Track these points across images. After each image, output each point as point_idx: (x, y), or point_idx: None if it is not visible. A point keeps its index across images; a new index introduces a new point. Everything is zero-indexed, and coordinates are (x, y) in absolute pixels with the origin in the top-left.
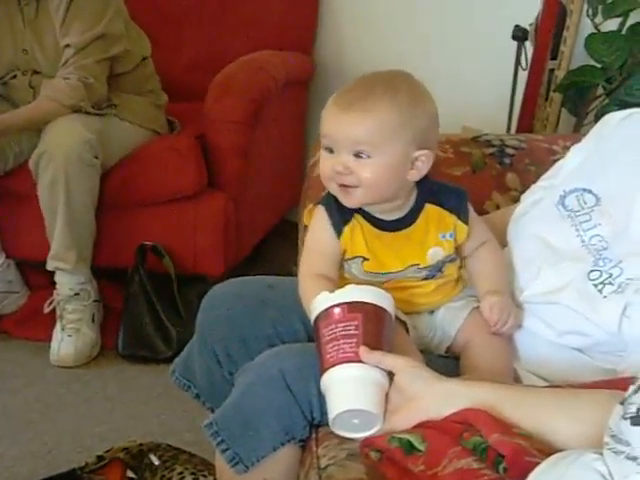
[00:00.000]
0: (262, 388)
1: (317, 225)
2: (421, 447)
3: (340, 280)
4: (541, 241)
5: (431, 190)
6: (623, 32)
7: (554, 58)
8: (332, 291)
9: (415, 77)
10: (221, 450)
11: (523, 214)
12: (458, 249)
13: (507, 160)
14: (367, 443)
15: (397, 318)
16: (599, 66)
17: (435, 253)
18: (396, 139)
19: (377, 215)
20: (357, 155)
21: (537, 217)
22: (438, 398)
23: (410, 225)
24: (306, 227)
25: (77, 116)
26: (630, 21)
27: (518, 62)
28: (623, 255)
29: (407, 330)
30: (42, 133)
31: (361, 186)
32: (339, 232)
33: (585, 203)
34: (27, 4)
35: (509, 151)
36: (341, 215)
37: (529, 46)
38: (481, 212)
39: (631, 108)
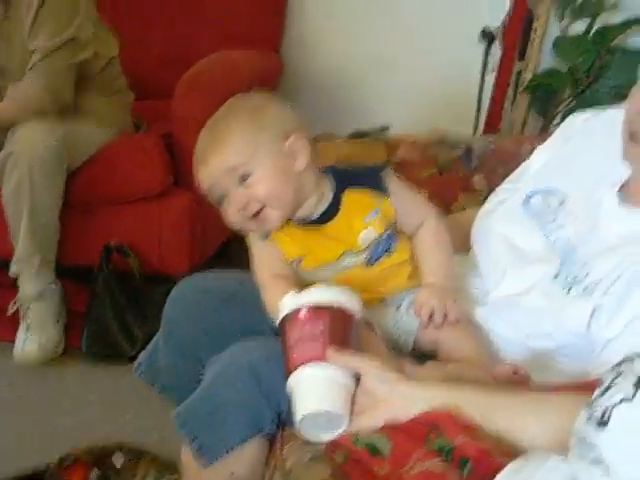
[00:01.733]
0: (230, 379)
1: (253, 244)
2: (385, 450)
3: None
4: (507, 241)
5: (346, 176)
6: (590, 35)
7: (522, 60)
8: (298, 291)
9: (250, 96)
10: (188, 440)
11: (489, 213)
12: (399, 226)
13: (474, 162)
14: (333, 444)
15: (366, 321)
16: (566, 69)
17: (366, 234)
18: (258, 146)
19: (301, 217)
20: (242, 180)
21: (503, 217)
22: (404, 400)
23: (334, 216)
24: None
25: (42, 120)
26: (597, 25)
27: (485, 64)
28: (589, 256)
29: (373, 330)
30: (7, 137)
31: (267, 204)
32: (270, 241)
33: (549, 205)
34: None
35: (476, 152)
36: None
37: (497, 48)
38: (447, 213)
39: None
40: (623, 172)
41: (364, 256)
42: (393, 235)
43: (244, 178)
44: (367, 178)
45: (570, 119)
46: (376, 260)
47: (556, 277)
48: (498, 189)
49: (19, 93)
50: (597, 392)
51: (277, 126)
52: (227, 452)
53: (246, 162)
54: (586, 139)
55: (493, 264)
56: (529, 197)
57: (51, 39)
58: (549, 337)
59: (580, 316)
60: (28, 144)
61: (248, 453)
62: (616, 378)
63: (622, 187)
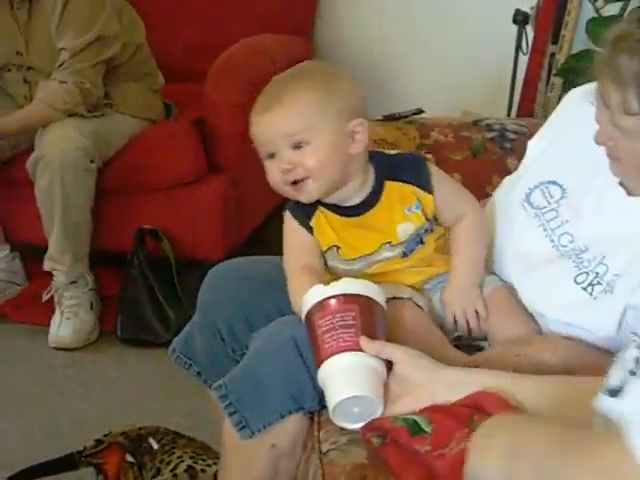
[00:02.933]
0: (274, 353)
1: (289, 229)
2: (427, 429)
3: (327, 276)
4: (514, 247)
5: (388, 165)
6: (625, 16)
7: (555, 42)
8: (325, 284)
9: (325, 64)
10: (229, 413)
11: (494, 214)
12: (436, 219)
13: (508, 144)
14: (370, 426)
15: (415, 303)
16: (600, 50)
17: (405, 228)
18: (324, 116)
19: (339, 204)
20: (296, 147)
21: (504, 218)
22: (444, 385)
23: (374, 206)
24: None
25: (72, 120)
26: (631, 5)
27: (519, 46)
28: (605, 250)
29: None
30: (38, 136)
31: (310, 176)
32: (309, 229)
33: (551, 197)
34: (19, 8)
35: (510, 135)
36: (305, 213)
37: (530, 30)
38: (482, 196)
39: None
40: None
41: (401, 249)
42: (429, 228)
43: (299, 145)
44: (410, 170)
45: (569, 96)
46: (411, 252)
47: (576, 279)
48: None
49: (48, 94)
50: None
51: (346, 103)
52: (267, 427)
53: (307, 130)
54: (581, 128)
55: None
56: (529, 193)
57: (78, 38)
58: (582, 342)
59: (606, 316)
60: (58, 146)
61: (290, 426)
62: (625, 350)
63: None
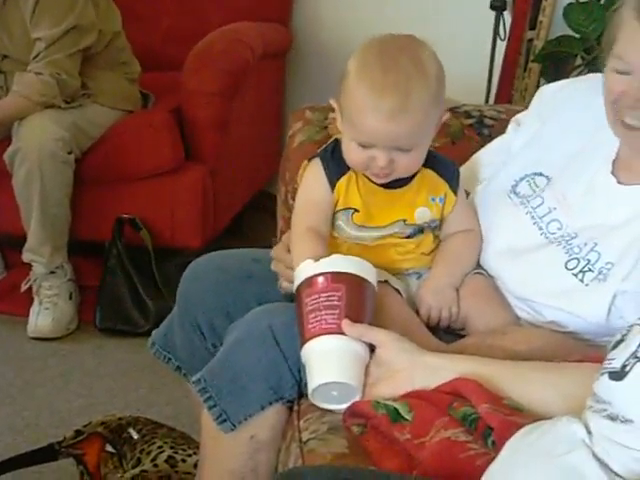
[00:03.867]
0: (251, 344)
1: (311, 177)
2: (408, 416)
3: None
4: (502, 237)
5: (430, 157)
6: (602, 1)
7: (533, 28)
8: (317, 259)
9: (420, 39)
10: (208, 406)
11: (477, 206)
12: (443, 221)
13: (486, 131)
14: (351, 412)
15: (390, 285)
16: (577, 36)
17: (423, 212)
18: (432, 122)
19: None
20: (398, 149)
21: (490, 210)
22: (424, 370)
23: (406, 185)
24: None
25: (50, 112)
26: None
27: (496, 32)
28: (596, 237)
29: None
30: (15, 128)
31: (399, 172)
32: (333, 183)
33: (537, 186)
34: None
35: (488, 122)
36: (337, 168)
37: (507, 16)
38: None
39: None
40: (611, 147)
41: (409, 231)
42: (436, 225)
43: (403, 149)
44: (447, 170)
45: (540, 92)
46: (413, 236)
47: (567, 265)
48: (475, 173)
49: (25, 86)
50: (610, 346)
51: (443, 101)
52: (247, 418)
53: (417, 140)
54: (563, 115)
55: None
56: (514, 186)
57: (53, 28)
58: (568, 327)
59: (597, 304)
60: (36, 138)
61: (269, 417)
62: (628, 333)
63: (614, 163)
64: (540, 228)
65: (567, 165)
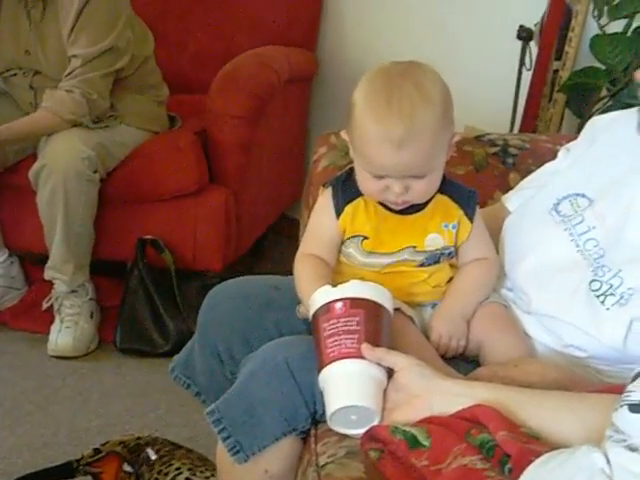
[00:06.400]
0: (266, 376)
1: (319, 206)
2: (425, 442)
3: (337, 265)
4: (537, 252)
5: (445, 182)
6: (628, 34)
7: (558, 59)
8: (334, 285)
9: (423, 63)
10: (222, 438)
11: (514, 224)
12: (458, 250)
13: (510, 160)
14: (369, 436)
15: (403, 313)
16: (603, 68)
17: (434, 240)
18: (442, 148)
19: None
20: (412, 177)
21: (528, 227)
22: (443, 396)
23: (419, 211)
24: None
25: (77, 131)
26: (636, 23)
27: (522, 62)
28: (622, 263)
29: (414, 325)
30: (42, 144)
31: (416, 198)
32: (339, 212)
33: (579, 207)
34: (34, 7)
35: (512, 151)
36: (345, 195)
37: (534, 46)
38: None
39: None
40: None
41: (421, 257)
42: (452, 253)
43: (416, 177)
44: (463, 195)
45: (594, 120)
46: (427, 265)
47: (591, 285)
48: (519, 190)
49: (55, 102)
50: (631, 378)
51: (453, 123)
52: (261, 450)
53: (429, 167)
54: (611, 141)
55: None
56: (557, 204)
57: (91, 46)
58: (586, 350)
59: (615, 328)
60: (62, 156)
61: (283, 450)
62: None
63: None
64: (577, 245)
65: (609, 188)
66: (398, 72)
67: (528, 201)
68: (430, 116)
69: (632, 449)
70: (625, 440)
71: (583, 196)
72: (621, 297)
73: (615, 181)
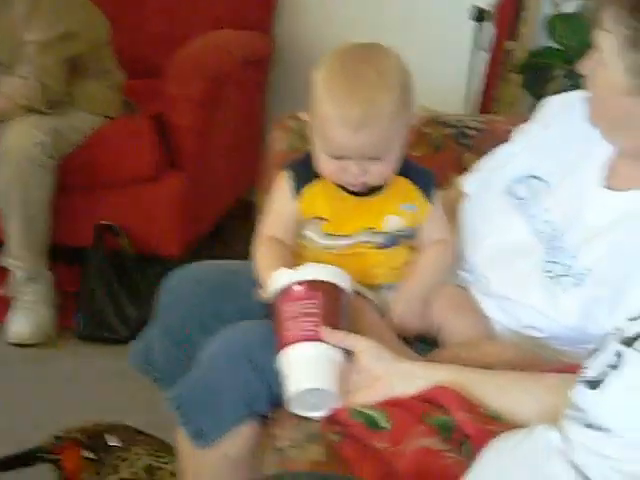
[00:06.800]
0: (225, 360)
1: (277, 189)
2: (385, 424)
3: (296, 248)
4: (494, 235)
5: (404, 164)
6: (585, 14)
7: (513, 39)
8: (292, 268)
9: (385, 46)
10: (182, 423)
11: (471, 206)
12: (416, 231)
13: (466, 141)
14: (329, 420)
15: (362, 296)
16: (559, 47)
17: (393, 221)
18: (400, 131)
19: None
20: (368, 159)
21: (485, 210)
22: (402, 378)
23: (377, 192)
24: None
25: (31, 117)
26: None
27: (477, 42)
28: (577, 244)
29: (375, 307)
30: None
31: (373, 181)
32: (297, 194)
33: (534, 189)
34: None
35: (469, 132)
36: (304, 178)
37: (486, 27)
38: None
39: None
40: (604, 154)
41: (380, 239)
42: (410, 234)
43: (373, 159)
44: (422, 177)
45: (546, 102)
46: (386, 247)
47: (545, 267)
48: (475, 172)
49: (9, 88)
50: (586, 357)
51: (412, 107)
52: (222, 435)
53: (387, 149)
54: (565, 122)
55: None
56: (510, 186)
57: (45, 32)
58: (544, 331)
59: (573, 309)
60: (16, 142)
61: (243, 435)
62: (603, 343)
63: (608, 169)
64: (533, 228)
65: (564, 170)
66: (359, 55)
67: (484, 184)
68: (388, 101)
69: (589, 426)
70: (582, 417)
71: (538, 178)
72: (576, 277)
73: (568, 165)
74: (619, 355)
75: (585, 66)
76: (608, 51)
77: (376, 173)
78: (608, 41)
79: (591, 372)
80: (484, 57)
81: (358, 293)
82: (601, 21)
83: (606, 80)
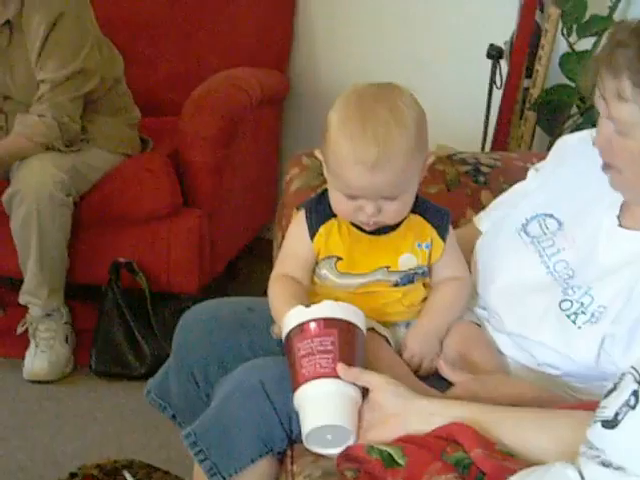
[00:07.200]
0: (242, 397)
1: (294, 228)
2: (401, 461)
3: (311, 285)
4: (508, 274)
5: (418, 202)
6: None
7: (529, 77)
8: (307, 305)
9: (400, 85)
10: (199, 460)
11: (486, 244)
12: (431, 269)
13: (482, 178)
14: (345, 455)
15: (377, 332)
16: (573, 85)
17: (408, 259)
18: (415, 171)
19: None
20: (385, 199)
21: (499, 248)
22: (418, 415)
23: (392, 231)
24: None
25: (49, 155)
26: (604, 40)
27: (493, 81)
28: (591, 281)
29: (389, 344)
30: (14, 169)
31: (388, 219)
32: (313, 234)
33: (547, 228)
34: (1, 32)
35: (484, 169)
36: (319, 217)
37: (504, 65)
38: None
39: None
40: (618, 194)
41: (395, 278)
42: (425, 273)
43: (388, 198)
44: (436, 216)
45: (563, 140)
46: (402, 285)
47: (561, 305)
48: (490, 210)
49: (27, 126)
50: (602, 395)
51: (427, 145)
52: (238, 471)
53: (402, 189)
54: (579, 162)
55: (500, 295)
56: (525, 224)
57: (60, 70)
58: (559, 369)
59: (588, 346)
60: (35, 180)
61: (259, 471)
62: (620, 382)
63: (620, 209)
64: (547, 267)
65: (578, 209)
66: (373, 94)
67: (498, 222)
68: (404, 140)
69: (605, 465)
70: (599, 456)
71: (552, 217)
72: (592, 315)
73: (583, 204)
74: (636, 395)
75: (600, 139)
76: (629, 121)
77: (391, 212)
78: (628, 109)
79: (608, 412)
80: (500, 95)
81: (373, 329)
82: (616, 90)
83: (630, 150)
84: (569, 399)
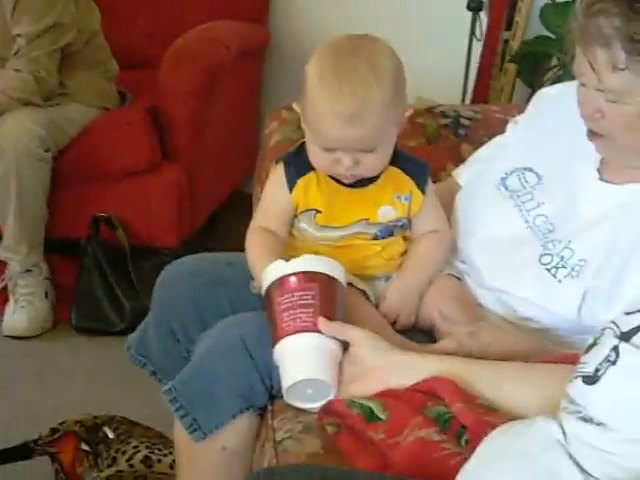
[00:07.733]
0: (222, 353)
1: (272, 181)
2: (382, 415)
3: (290, 239)
4: (487, 228)
5: (396, 155)
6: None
7: (509, 29)
8: (287, 259)
9: (377, 37)
10: (179, 416)
11: (465, 198)
12: (410, 222)
13: (462, 131)
14: (326, 410)
15: (355, 287)
16: (554, 37)
17: (387, 211)
18: (392, 124)
19: None
20: (361, 151)
21: (478, 203)
22: (399, 369)
23: (370, 183)
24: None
25: (27, 110)
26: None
27: (473, 32)
28: (571, 235)
29: (368, 298)
30: None
31: (366, 173)
32: (291, 186)
33: (527, 182)
34: None
35: (464, 122)
36: (298, 170)
37: (484, 16)
38: (436, 182)
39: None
40: None
41: (374, 230)
42: (405, 225)
43: (366, 150)
44: (414, 168)
45: (541, 93)
46: (382, 238)
47: (541, 259)
48: (469, 163)
49: (3, 81)
50: (583, 351)
51: (405, 98)
52: (219, 427)
53: (379, 141)
54: (559, 115)
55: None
56: (505, 178)
57: (34, 24)
58: (540, 322)
59: (569, 301)
60: (13, 135)
61: (240, 427)
62: (600, 337)
63: (600, 163)
64: (527, 221)
65: (558, 163)
66: (350, 47)
67: (477, 176)
68: (381, 93)
69: (586, 420)
70: (580, 411)
71: (531, 170)
72: (572, 269)
73: (562, 158)
74: (616, 350)
75: (587, 109)
76: (625, 90)
77: (368, 165)
78: (623, 78)
79: (588, 367)
80: (481, 47)
81: (351, 284)
82: (610, 61)
83: (628, 114)
84: (550, 350)
